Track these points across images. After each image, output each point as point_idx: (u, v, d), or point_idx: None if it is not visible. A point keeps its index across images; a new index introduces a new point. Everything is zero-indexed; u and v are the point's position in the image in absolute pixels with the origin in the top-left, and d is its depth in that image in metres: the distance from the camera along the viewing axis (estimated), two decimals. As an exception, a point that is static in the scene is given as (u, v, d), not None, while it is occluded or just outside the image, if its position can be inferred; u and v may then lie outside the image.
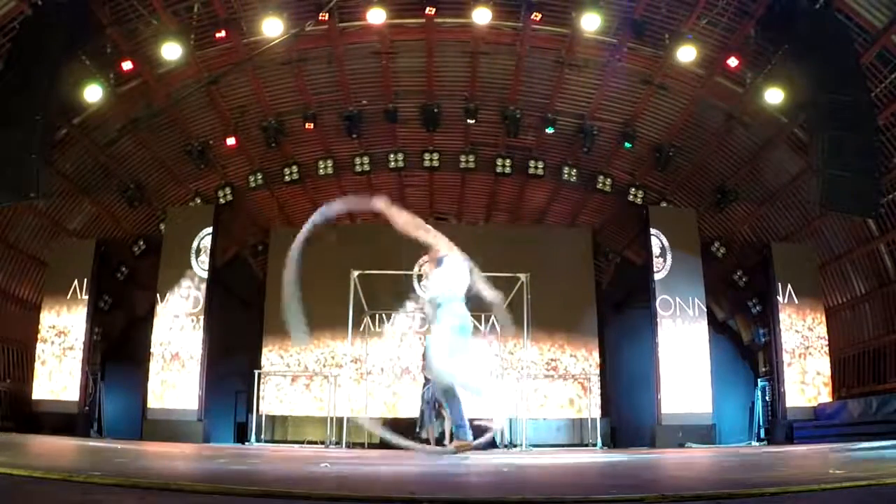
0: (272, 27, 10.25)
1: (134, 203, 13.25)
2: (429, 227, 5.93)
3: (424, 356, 8.01)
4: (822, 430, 11.36)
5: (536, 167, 13.39)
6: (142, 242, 13.88)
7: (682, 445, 11.64)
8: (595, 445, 12.41)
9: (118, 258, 13.84)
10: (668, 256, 13.12)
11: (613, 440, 13.50)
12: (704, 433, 12.06)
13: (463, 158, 13.34)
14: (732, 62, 10.70)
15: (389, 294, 12.26)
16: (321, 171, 13.46)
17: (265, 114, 12.51)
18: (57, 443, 7.50)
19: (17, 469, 2.83)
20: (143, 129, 12.09)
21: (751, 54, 10.75)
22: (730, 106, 11.71)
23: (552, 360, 14.00)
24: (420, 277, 12.40)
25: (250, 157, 13.38)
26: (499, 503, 2.40)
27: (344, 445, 11.18)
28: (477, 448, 6.05)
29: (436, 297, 5.63)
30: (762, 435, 13.07)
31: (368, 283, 11.71)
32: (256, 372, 12.97)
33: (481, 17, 10.46)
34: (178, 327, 12.75)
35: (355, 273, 11.23)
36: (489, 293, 5.65)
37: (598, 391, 13.60)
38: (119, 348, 14.11)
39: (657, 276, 13.00)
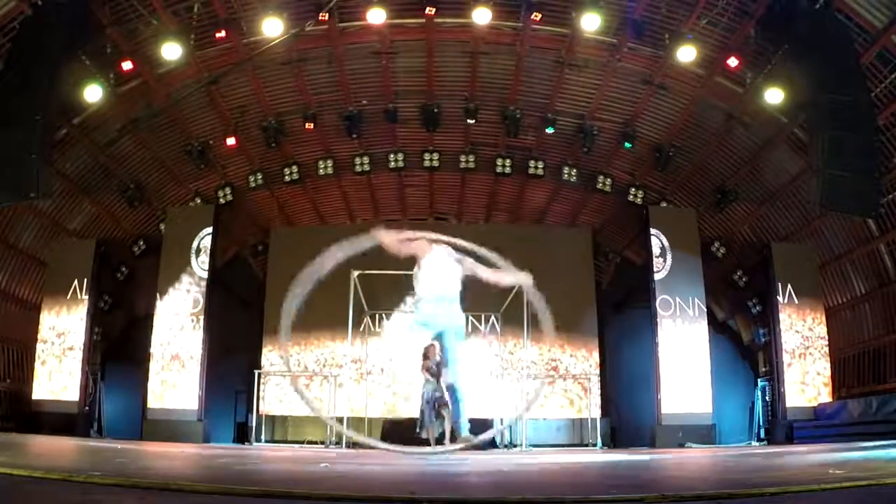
0: (272, 27, 10.25)
1: (134, 203, 13.25)
2: (409, 233, 5.99)
3: (424, 356, 8.02)
4: (822, 431, 11.35)
5: (536, 167, 13.38)
6: (142, 242, 13.88)
7: (682, 445, 11.64)
8: (595, 445, 12.40)
9: (118, 258, 13.84)
10: (668, 256, 13.11)
11: (613, 440, 13.48)
12: (704, 433, 12.06)
13: (463, 158, 13.33)
14: (732, 62, 10.70)
15: (389, 294, 12.26)
16: (321, 171, 13.46)
17: (265, 114, 12.51)
18: (57, 443, 7.50)
19: (18, 469, 2.83)
20: (143, 129, 12.10)
21: (751, 54, 10.75)
22: (730, 106, 11.71)
23: (552, 360, 14.00)
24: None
25: (250, 157, 13.38)
26: (499, 503, 2.41)
27: (344, 445, 11.17)
28: (477, 446, 6.10)
29: (415, 300, 5.86)
30: (762, 435, 13.07)
31: (368, 283, 11.70)
32: (256, 372, 12.97)
33: (481, 17, 10.46)
34: (178, 327, 12.76)
35: (355, 273, 11.22)
36: (511, 277, 5.74)
37: (598, 391, 13.60)
38: (119, 348, 14.11)
39: (657, 276, 12.99)
